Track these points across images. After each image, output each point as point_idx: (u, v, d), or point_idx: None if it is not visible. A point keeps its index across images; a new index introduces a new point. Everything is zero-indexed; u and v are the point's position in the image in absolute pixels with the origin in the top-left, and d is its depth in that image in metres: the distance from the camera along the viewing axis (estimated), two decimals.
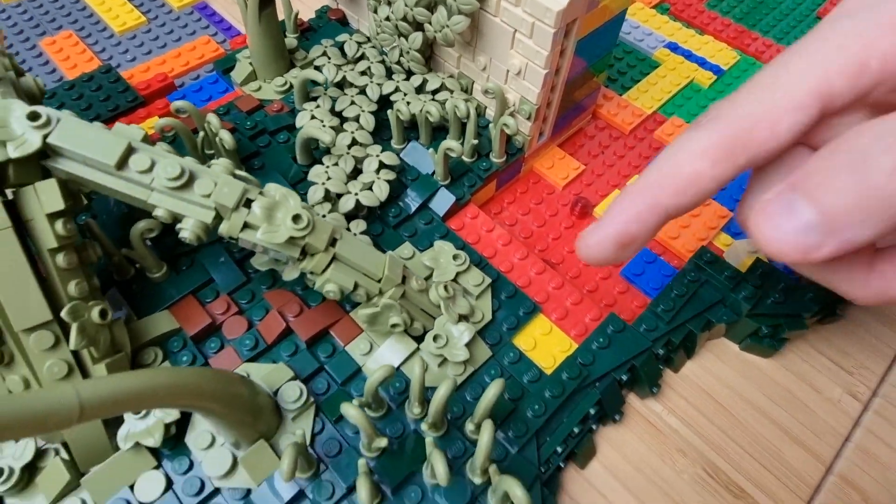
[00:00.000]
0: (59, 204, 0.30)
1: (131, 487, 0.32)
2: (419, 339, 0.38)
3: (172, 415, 0.33)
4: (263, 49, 0.49)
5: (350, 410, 0.30)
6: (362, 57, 0.52)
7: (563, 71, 0.44)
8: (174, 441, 0.33)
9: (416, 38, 0.46)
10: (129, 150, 0.30)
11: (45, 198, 0.30)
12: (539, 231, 0.49)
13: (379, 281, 0.35)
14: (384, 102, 0.49)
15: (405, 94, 0.48)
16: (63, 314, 0.30)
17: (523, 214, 0.50)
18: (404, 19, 0.46)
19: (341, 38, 0.53)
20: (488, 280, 0.40)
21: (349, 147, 0.44)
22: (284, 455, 0.29)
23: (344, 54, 0.52)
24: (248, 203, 0.32)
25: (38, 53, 0.59)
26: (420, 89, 0.49)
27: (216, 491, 0.32)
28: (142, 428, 0.32)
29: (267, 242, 0.31)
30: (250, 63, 0.52)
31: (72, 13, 0.63)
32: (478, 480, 0.32)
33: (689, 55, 0.62)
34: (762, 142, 0.24)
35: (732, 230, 0.48)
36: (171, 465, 0.33)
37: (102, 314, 0.32)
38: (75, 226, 0.32)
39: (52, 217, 0.30)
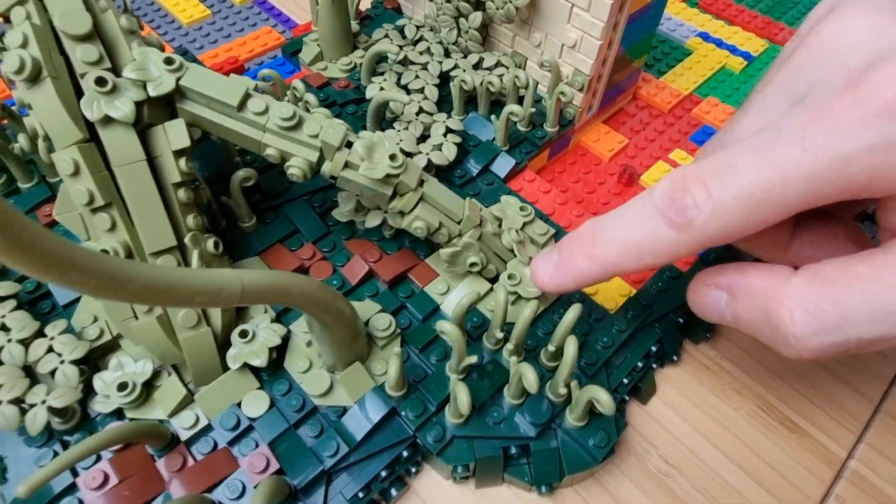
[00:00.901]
0: (185, 141, 0.34)
1: (238, 405, 0.35)
2: (492, 282, 0.41)
3: (274, 340, 0.36)
4: (332, 31, 0.53)
5: (446, 326, 0.33)
6: (421, 39, 0.56)
7: (615, 45, 0.48)
8: (273, 367, 0.36)
9: (476, 18, 0.50)
10: (247, 95, 0.34)
11: (172, 135, 0.34)
12: (589, 197, 0.52)
13: (459, 222, 0.38)
14: (444, 79, 0.53)
15: (464, 70, 0.52)
16: (186, 240, 0.34)
17: (573, 182, 0.53)
18: None
19: (400, 22, 0.57)
20: (552, 230, 0.44)
21: (417, 114, 0.48)
22: (391, 364, 0.32)
23: (404, 36, 0.56)
24: (348, 144, 0.35)
25: None
26: (477, 66, 0.53)
27: (315, 409, 0.35)
28: (248, 350, 0.35)
29: (367, 179, 0.35)
30: (318, 45, 0.56)
31: (142, 7, 0.68)
32: (562, 391, 0.34)
33: (719, 43, 0.66)
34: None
35: None
36: (272, 387, 0.36)
37: (216, 245, 0.36)
38: (194, 164, 0.35)
39: (178, 154, 0.34)
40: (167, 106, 0.35)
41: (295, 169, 0.35)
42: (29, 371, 0.34)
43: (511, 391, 0.35)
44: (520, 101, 0.50)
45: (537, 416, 0.35)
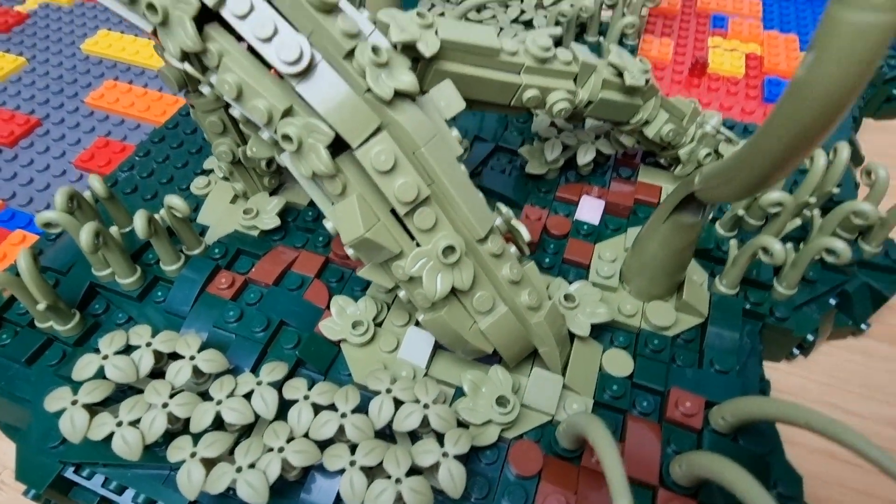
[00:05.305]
0: (460, 104, 0.28)
1: (600, 370, 0.31)
2: None
3: (597, 294, 0.32)
4: None
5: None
6: None
7: None
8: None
9: None
10: (498, 33, 0.30)
11: (444, 102, 0.28)
12: (675, 91, 0.54)
13: (682, 119, 0.38)
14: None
15: (527, 13, 0.51)
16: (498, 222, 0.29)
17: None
18: None
19: None
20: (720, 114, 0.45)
21: None
22: (734, 264, 0.31)
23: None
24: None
25: None
26: (538, 6, 0.52)
27: (672, 340, 0.32)
28: (588, 312, 0.31)
29: (622, 95, 0.33)
30: None
31: None
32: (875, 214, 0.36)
33: None
34: None
35: None
36: (615, 342, 0.32)
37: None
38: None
39: (449, 123, 0.29)
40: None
41: (563, 103, 0.31)
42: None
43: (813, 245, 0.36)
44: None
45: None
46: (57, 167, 0.46)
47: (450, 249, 0.26)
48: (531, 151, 0.41)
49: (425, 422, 0.27)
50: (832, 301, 0.36)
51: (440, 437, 0.26)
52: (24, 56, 0.55)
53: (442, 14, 0.52)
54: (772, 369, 0.36)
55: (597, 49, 0.51)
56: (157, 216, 0.33)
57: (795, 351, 0.37)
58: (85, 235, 0.29)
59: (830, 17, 0.13)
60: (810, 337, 0.35)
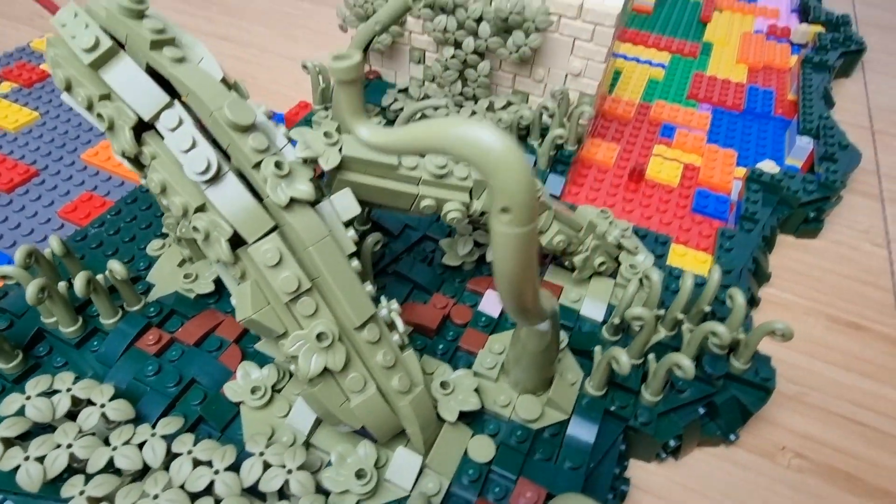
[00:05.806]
0: (355, 209, 0.34)
1: (465, 455, 0.34)
2: (612, 277, 0.45)
3: (474, 383, 0.36)
4: None
5: (638, 311, 0.36)
6: (426, 96, 0.60)
7: (609, 66, 0.57)
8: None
9: (485, 66, 0.56)
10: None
11: (341, 206, 0.33)
12: (613, 199, 0.59)
13: (579, 231, 0.42)
14: None
15: (483, 114, 0.57)
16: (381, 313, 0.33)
17: (596, 191, 0.60)
18: (474, 52, 0.55)
19: (401, 85, 0.61)
20: (630, 225, 0.49)
21: None
22: (598, 367, 0.35)
23: (409, 96, 0.59)
24: None
25: None
26: (489, 109, 0.58)
27: (537, 434, 0.36)
28: (459, 399, 0.35)
29: None
30: (330, 120, 0.57)
31: None
32: (739, 335, 0.39)
33: (637, 60, 0.79)
34: None
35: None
36: (484, 429, 0.36)
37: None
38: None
39: (346, 224, 0.34)
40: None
41: (455, 213, 0.36)
42: None
43: (688, 351, 0.39)
44: (540, 130, 0.57)
45: (717, 370, 0.39)
46: (43, 215, 0.52)
47: (323, 334, 0.30)
48: (450, 244, 0.46)
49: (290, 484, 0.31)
50: (700, 410, 0.39)
51: None
52: (38, 111, 0.63)
53: (401, 109, 0.58)
54: (641, 469, 0.39)
55: (535, 152, 0.56)
56: (102, 275, 0.38)
57: (664, 454, 0.39)
58: (30, 290, 0.34)
59: (490, 224, 0.18)
60: (673, 442, 0.38)
